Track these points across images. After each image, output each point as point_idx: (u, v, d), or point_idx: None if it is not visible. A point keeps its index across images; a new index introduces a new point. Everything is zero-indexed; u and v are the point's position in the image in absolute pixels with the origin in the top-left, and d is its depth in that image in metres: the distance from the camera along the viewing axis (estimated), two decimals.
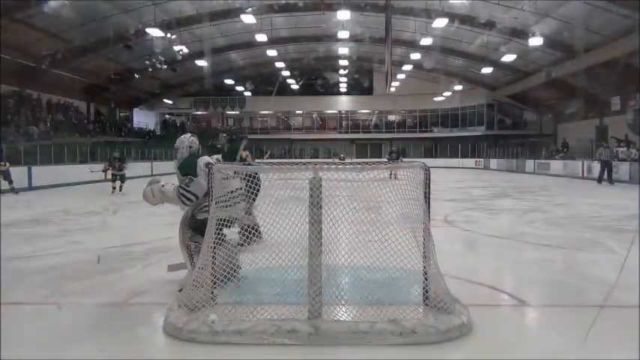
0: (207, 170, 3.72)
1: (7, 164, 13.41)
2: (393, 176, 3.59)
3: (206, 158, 3.95)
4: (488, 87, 35.17)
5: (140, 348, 2.97)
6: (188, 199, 3.80)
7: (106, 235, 6.96)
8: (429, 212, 3.26)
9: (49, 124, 23.16)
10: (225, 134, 6.63)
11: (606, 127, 24.73)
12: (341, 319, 3.13)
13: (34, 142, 18.48)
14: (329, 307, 3.16)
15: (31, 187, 15.26)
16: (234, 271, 3.42)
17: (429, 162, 3.90)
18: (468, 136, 37.73)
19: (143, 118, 38.58)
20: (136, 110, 37.80)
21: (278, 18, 24.97)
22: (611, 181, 16.73)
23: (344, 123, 42.92)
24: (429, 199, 3.25)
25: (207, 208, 3.59)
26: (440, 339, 2.89)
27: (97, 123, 29.16)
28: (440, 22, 20.82)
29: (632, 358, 2.69)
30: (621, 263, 3.73)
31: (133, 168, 22.48)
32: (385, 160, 23.09)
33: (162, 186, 3.92)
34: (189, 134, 4.27)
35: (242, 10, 20.44)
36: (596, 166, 20.05)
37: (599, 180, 16.92)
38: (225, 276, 3.34)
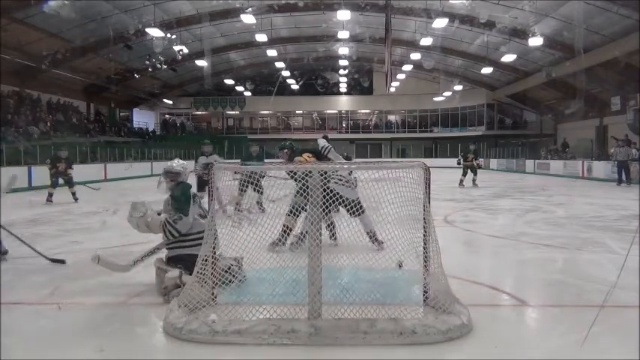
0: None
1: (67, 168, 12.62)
2: (462, 182, 3.48)
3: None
4: (488, 87, 35.14)
5: (140, 348, 2.97)
6: (172, 235, 3.87)
7: (106, 235, 6.94)
8: (429, 212, 3.25)
9: (49, 124, 23.13)
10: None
11: (606, 127, 24.72)
12: (341, 319, 3.13)
13: (34, 142, 18.46)
14: (329, 307, 3.15)
15: (31, 187, 15.25)
16: (230, 274, 3.45)
17: (429, 162, 3.89)
18: (468, 136, 37.69)
19: (143, 118, 38.58)
20: (135, 110, 37.79)
21: (278, 18, 24.95)
22: (628, 181, 15.97)
23: (344, 123, 42.90)
24: (429, 199, 3.25)
25: (191, 243, 3.80)
26: (440, 339, 2.89)
27: (97, 123, 29.16)
28: (440, 22, 20.81)
29: (632, 358, 2.69)
30: (621, 263, 3.73)
31: (133, 168, 22.59)
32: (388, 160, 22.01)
33: (149, 219, 3.93)
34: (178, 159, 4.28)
35: (242, 10, 20.43)
36: (596, 166, 20.10)
37: (619, 182, 16.16)
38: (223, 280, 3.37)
